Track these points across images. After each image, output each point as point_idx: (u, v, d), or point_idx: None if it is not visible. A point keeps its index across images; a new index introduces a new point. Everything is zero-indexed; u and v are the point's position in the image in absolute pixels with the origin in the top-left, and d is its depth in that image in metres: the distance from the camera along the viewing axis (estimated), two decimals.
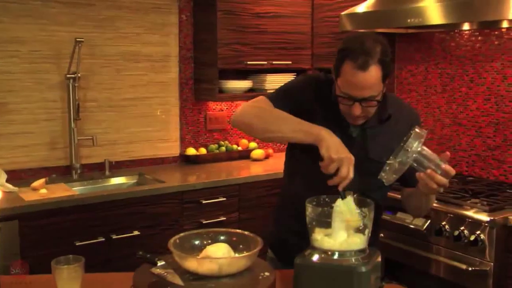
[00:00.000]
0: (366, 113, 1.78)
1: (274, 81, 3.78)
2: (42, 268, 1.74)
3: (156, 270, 1.60)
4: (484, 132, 3.40)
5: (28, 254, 2.65)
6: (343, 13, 3.41)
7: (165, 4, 3.68)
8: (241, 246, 1.69)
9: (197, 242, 1.70)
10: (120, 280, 1.74)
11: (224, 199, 3.29)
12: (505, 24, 3.14)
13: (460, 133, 3.53)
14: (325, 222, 1.53)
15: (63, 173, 3.38)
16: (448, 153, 1.67)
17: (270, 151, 4.03)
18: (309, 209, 1.56)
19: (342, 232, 1.52)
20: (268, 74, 3.81)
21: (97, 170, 3.50)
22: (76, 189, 3.19)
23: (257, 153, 3.89)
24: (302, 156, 1.89)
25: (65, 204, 2.82)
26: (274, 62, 3.78)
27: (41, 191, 2.97)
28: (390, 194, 2.07)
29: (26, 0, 3.20)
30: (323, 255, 1.52)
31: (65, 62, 3.30)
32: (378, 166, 1.65)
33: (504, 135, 3.29)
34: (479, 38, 3.39)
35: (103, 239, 2.89)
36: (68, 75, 3.29)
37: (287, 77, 3.79)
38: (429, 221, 2.81)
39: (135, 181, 3.52)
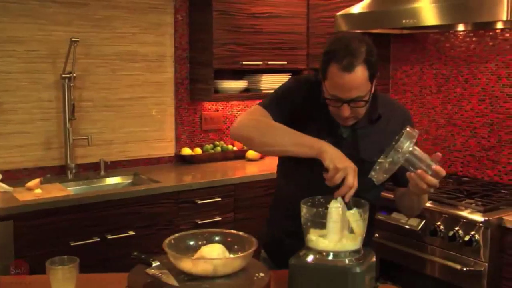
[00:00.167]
0: (356, 113, 1.78)
1: (270, 81, 3.79)
2: (38, 268, 1.74)
3: (151, 271, 1.60)
4: (478, 133, 3.41)
5: (23, 254, 2.63)
6: (338, 13, 3.43)
7: (161, 4, 3.68)
8: (236, 246, 1.69)
9: (192, 243, 1.70)
10: (115, 281, 1.74)
11: (220, 199, 3.29)
12: (499, 25, 3.15)
13: (455, 133, 3.54)
14: (320, 222, 1.54)
15: (58, 173, 3.37)
16: (439, 153, 1.66)
17: None
18: (304, 210, 1.56)
19: (337, 233, 1.53)
20: (263, 74, 3.81)
21: (92, 170, 3.50)
22: (71, 189, 3.18)
23: (253, 153, 3.89)
24: (295, 157, 1.89)
25: (60, 204, 2.81)
26: (269, 62, 3.78)
27: (36, 191, 2.96)
28: (385, 194, 2.08)
29: (23, 0, 3.20)
30: (317, 256, 1.53)
31: (61, 62, 3.29)
32: (369, 166, 1.65)
33: (498, 136, 3.30)
34: (474, 39, 3.40)
35: (98, 239, 2.88)
36: (63, 75, 3.28)
37: (283, 77, 3.80)
38: (424, 221, 2.82)
39: (130, 181, 3.51)
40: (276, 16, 3.78)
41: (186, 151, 3.81)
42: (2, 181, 3.02)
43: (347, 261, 1.51)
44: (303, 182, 1.87)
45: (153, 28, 3.66)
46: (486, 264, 2.57)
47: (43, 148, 3.35)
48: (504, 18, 2.56)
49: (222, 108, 4.01)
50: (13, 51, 3.20)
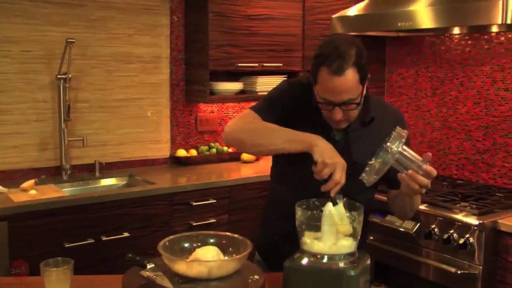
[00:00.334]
0: (348, 116, 1.79)
1: (265, 83, 3.79)
2: (33, 269, 1.74)
3: (146, 273, 1.60)
4: (473, 136, 3.42)
5: (18, 256, 2.63)
6: (334, 16, 3.43)
7: (157, 5, 3.67)
8: (230, 249, 1.68)
9: (186, 245, 1.70)
10: (110, 283, 1.74)
11: (214, 201, 3.29)
12: (494, 29, 3.16)
13: (450, 136, 3.55)
14: (315, 225, 1.54)
15: (53, 174, 3.36)
16: (429, 153, 1.66)
17: None
18: (299, 213, 1.56)
19: (332, 235, 1.53)
20: (259, 76, 3.81)
21: (87, 171, 3.49)
22: (65, 190, 3.17)
23: (247, 155, 3.89)
24: (289, 159, 1.89)
25: (55, 205, 2.80)
26: (265, 64, 3.78)
27: (31, 192, 2.95)
28: (380, 197, 2.08)
29: (18, 0, 3.19)
30: (312, 259, 1.53)
31: (56, 62, 3.29)
32: (362, 168, 1.65)
33: (493, 139, 3.31)
34: (469, 42, 3.41)
35: (93, 241, 2.88)
36: (59, 76, 3.28)
37: (278, 79, 3.78)
38: (418, 224, 2.82)
39: (125, 182, 3.51)
40: (271, 18, 3.78)
41: (181, 152, 3.80)
42: None
43: (341, 264, 1.51)
44: (296, 183, 1.87)
45: (149, 29, 3.66)
46: (481, 267, 2.57)
47: (38, 149, 3.34)
48: (499, 22, 2.56)
49: (217, 110, 4.01)
50: (9, 52, 3.20)
